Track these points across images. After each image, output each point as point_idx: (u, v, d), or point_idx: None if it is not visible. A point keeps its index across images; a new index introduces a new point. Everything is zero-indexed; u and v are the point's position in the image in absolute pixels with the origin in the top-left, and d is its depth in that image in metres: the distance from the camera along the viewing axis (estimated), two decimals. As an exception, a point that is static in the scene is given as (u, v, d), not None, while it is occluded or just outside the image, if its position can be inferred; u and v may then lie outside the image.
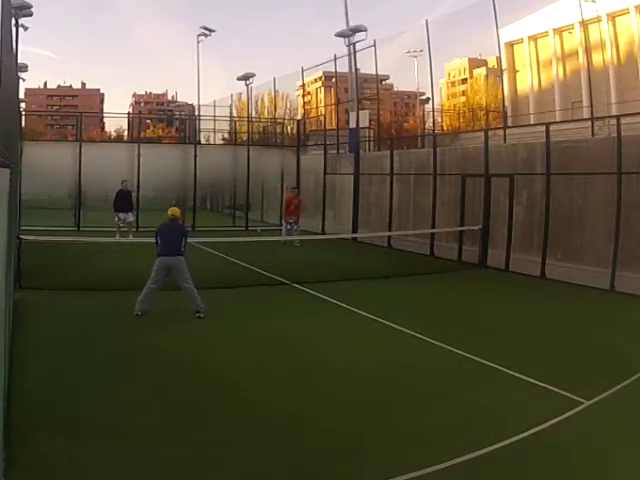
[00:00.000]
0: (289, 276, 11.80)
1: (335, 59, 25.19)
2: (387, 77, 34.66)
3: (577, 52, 27.82)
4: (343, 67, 24.78)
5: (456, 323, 8.82)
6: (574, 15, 23.33)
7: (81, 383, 5.91)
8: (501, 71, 26.66)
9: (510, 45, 32.99)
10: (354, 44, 22.58)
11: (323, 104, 41.67)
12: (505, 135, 18.33)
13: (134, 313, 8.60)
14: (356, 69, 23.62)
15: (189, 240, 9.36)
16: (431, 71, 21.88)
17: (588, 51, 22.68)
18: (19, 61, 17.03)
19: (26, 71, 27.53)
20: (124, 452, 4.49)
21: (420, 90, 32.84)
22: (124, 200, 17.75)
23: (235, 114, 36.87)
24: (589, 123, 16.47)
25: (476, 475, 4.34)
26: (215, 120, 33.01)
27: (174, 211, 9.32)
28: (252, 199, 24.58)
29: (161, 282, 8.84)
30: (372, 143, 23.80)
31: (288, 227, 18.02)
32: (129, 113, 60.12)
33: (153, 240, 9.17)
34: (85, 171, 20.73)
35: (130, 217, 17.86)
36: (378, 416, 5.36)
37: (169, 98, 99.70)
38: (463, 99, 43.05)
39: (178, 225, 9.45)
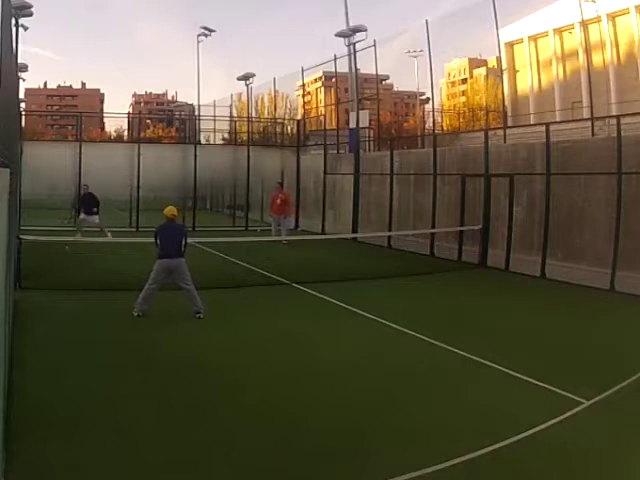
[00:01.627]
0: (289, 276, 11.80)
1: (335, 59, 25.22)
2: (387, 77, 34.67)
3: (577, 52, 27.83)
4: (343, 67, 24.82)
5: (456, 323, 8.82)
6: (574, 15, 23.34)
7: (81, 383, 5.91)
8: (501, 71, 26.65)
9: (510, 45, 33.00)
10: (354, 44, 22.59)
11: (323, 104, 41.73)
12: (505, 135, 18.33)
13: (134, 314, 8.59)
14: (356, 69, 23.63)
15: (189, 240, 9.27)
16: (431, 71, 21.95)
17: (588, 51, 22.67)
18: (19, 61, 17.03)
19: (26, 71, 27.59)
20: (124, 452, 4.49)
21: (420, 90, 32.92)
22: (87, 203, 17.73)
23: (235, 114, 36.91)
24: (589, 123, 16.48)
25: (476, 475, 4.34)
26: (215, 120, 33.04)
27: (173, 210, 9.06)
28: (252, 199, 24.58)
29: (161, 283, 8.79)
30: (372, 143, 23.82)
31: (279, 225, 17.99)
32: (129, 113, 60.21)
33: (153, 240, 9.09)
34: (85, 171, 20.73)
35: (96, 219, 17.76)
36: (378, 416, 5.36)
37: (169, 98, 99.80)
38: (463, 99, 43.08)
39: (178, 226, 9.29)
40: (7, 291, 4.92)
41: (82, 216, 17.64)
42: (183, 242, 8.82)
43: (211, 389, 5.93)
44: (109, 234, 17.14)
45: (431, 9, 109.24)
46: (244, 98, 35.03)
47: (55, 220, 19.66)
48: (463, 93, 44.63)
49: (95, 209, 17.82)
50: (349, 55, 23.36)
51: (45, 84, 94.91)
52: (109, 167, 20.52)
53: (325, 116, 30.57)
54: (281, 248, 16.19)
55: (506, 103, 27.18)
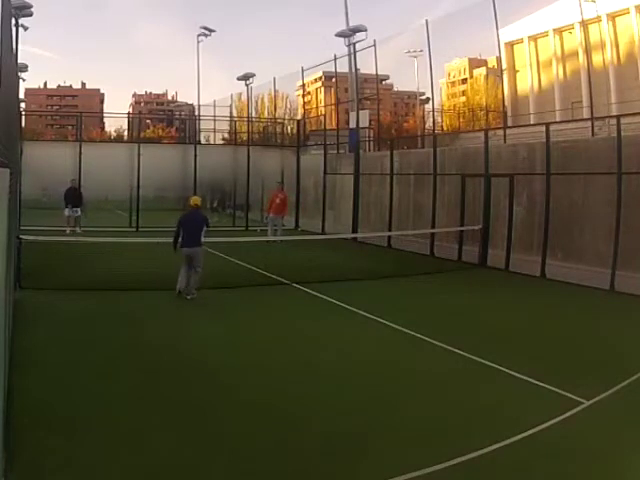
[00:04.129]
0: (289, 276, 11.80)
1: (335, 59, 25.22)
2: (387, 77, 34.73)
3: (577, 52, 27.84)
4: (343, 67, 24.83)
5: (456, 323, 8.82)
6: (574, 15, 23.33)
7: (81, 383, 5.91)
8: (501, 71, 26.67)
9: (510, 45, 33.02)
10: (354, 44, 22.59)
11: (323, 104, 41.75)
12: (505, 135, 18.34)
13: (179, 292, 9.62)
14: (356, 69, 23.64)
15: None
16: (431, 71, 21.96)
17: (588, 51, 22.68)
18: (19, 61, 17.04)
19: (26, 71, 27.55)
20: (124, 452, 4.49)
21: (420, 90, 32.92)
22: (73, 196, 19.15)
23: (235, 114, 36.90)
24: (589, 123, 16.50)
25: (476, 475, 4.34)
26: (215, 120, 33.04)
27: (197, 200, 9.75)
28: (252, 199, 24.58)
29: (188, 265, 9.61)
30: (372, 143, 23.83)
31: (275, 225, 18.00)
32: (129, 113, 60.03)
33: (153, 240, 9.19)
34: (85, 171, 20.73)
35: (78, 212, 19.23)
36: (378, 416, 5.36)
37: (169, 98, 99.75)
38: (463, 99, 43.09)
39: (200, 215, 9.80)
40: (7, 291, 4.92)
41: (67, 210, 19.04)
42: (202, 231, 9.63)
43: (211, 389, 5.92)
44: (78, 228, 18.65)
45: (431, 9, 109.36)
46: (244, 98, 35.06)
47: (59, 219, 19.76)
48: (463, 93, 44.63)
49: (80, 202, 19.20)
50: (349, 55, 23.37)
51: (45, 84, 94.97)
52: (109, 167, 20.56)
53: (325, 116, 30.55)
54: (281, 248, 16.17)
55: (506, 103, 27.20)
